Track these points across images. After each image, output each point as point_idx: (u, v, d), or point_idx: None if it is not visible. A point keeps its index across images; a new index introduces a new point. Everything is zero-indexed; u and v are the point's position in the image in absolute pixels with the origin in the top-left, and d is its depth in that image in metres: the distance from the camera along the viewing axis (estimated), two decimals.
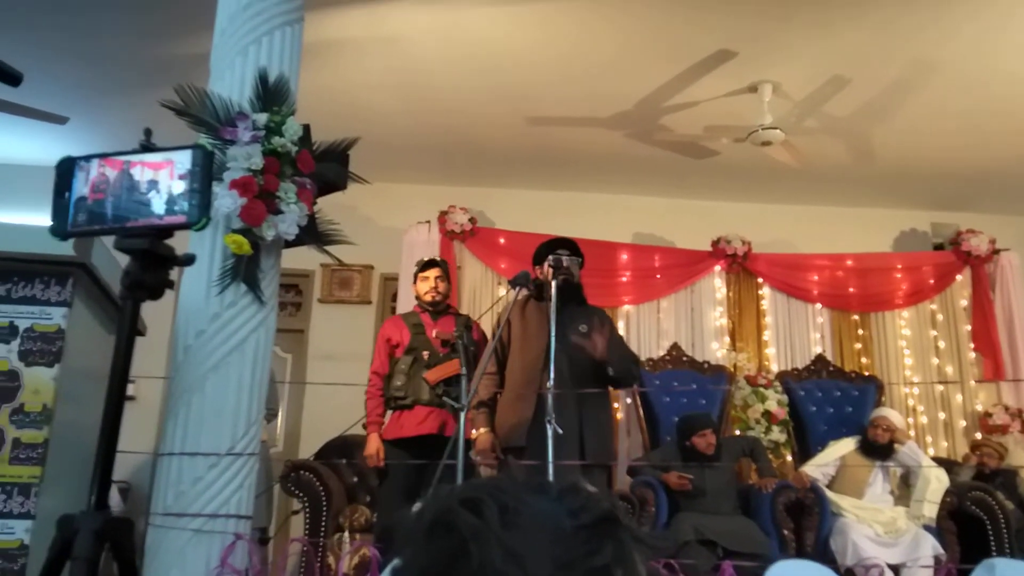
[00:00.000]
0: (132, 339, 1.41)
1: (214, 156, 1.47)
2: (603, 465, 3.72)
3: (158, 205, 1.40)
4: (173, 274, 1.47)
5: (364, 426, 4.14)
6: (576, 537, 0.63)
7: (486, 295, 5.92)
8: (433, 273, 4.17)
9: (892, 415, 4.81)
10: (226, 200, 2.59)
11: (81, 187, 1.41)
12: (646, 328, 6.04)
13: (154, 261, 1.38)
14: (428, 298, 4.14)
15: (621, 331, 5.90)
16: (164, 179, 1.39)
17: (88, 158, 1.40)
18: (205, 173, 1.38)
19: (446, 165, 6.11)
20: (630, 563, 0.64)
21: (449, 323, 4.14)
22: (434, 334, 4.07)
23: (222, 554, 2.58)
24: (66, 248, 2.11)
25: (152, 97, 2.75)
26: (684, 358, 5.73)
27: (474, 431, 3.70)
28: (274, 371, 5.08)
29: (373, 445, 4.01)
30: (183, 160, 1.40)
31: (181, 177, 1.39)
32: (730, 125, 5.27)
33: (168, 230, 1.43)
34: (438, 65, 4.77)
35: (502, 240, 6.03)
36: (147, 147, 1.41)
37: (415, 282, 4.24)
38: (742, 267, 6.17)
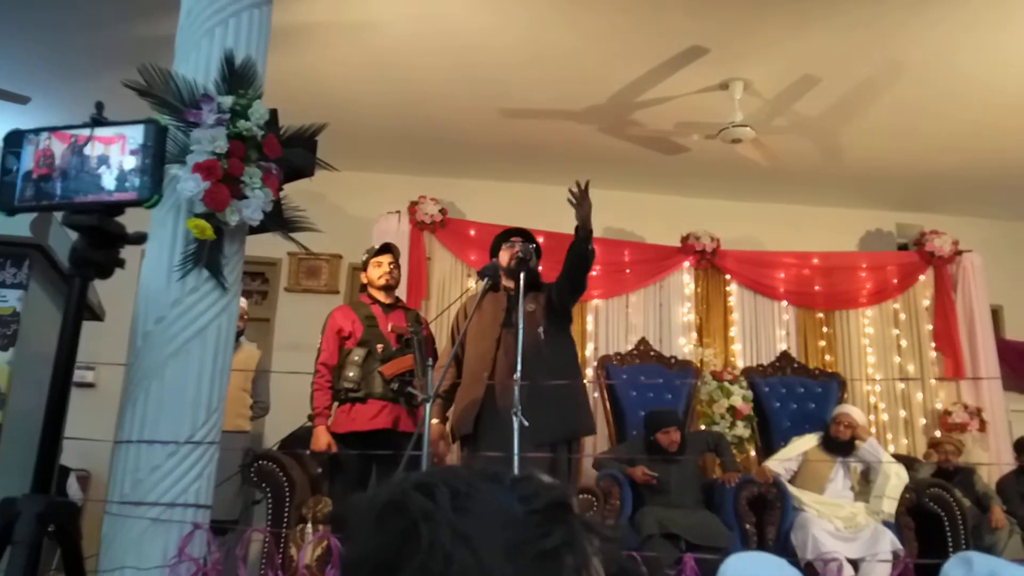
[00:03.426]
0: (80, 317, 1.37)
1: (168, 131, 1.43)
2: (566, 442, 3.64)
3: (108, 181, 1.35)
4: (134, 259, 1.42)
5: (310, 418, 4.09)
6: (527, 522, 0.63)
7: (455, 287, 5.90)
8: (386, 259, 4.17)
9: (854, 412, 4.87)
10: (189, 183, 2.55)
11: (29, 161, 1.36)
12: (614, 322, 6.06)
13: (103, 238, 1.34)
14: (382, 282, 4.13)
15: (590, 326, 5.93)
16: (115, 154, 1.34)
17: (37, 131, 1.34)
18: (158, 148, 1.33)
19: (417, 155, 6.07)
20: (579, 548, 0.64)
21: (400, 317, 4.14)
22: (389, 328, 4.05)
23: (180, 544, 2.54)
24: (23, 229, 2.06)
25: (117, 78, 2.69)
26: (652, 353, 5.75)
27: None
28: (265, 365, 5.01)
29: (324, 439, 3.96)
30: (135, 135, 1.35)
31: (133, 152, 1.34)
32: (701, 122, 5.30)
33: (118, 207, 1.39)
34: (410, 52, 4.73)
35: (472, 232, 6.01)
36: (98, 121, 1.36)
37: (365, 269, 4.22)
38: (710, 263, 6.21)
